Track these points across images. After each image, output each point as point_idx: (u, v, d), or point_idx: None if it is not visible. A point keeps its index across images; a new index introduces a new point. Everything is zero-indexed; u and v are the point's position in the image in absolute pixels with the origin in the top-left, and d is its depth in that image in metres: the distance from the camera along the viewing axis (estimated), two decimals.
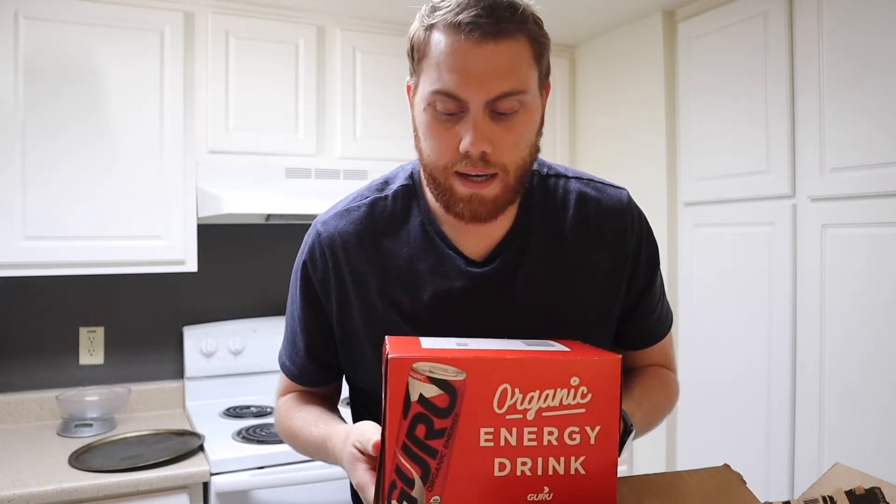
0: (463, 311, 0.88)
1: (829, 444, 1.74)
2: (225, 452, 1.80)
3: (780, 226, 1.87)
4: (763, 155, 1.92)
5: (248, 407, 2.24)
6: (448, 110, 0.79)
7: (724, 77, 2.05)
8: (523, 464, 0.69)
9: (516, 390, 0.68)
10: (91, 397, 2.12)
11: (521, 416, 0.68)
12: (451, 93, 0.78)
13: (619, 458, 0.73)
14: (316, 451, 0.94)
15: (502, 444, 0.68)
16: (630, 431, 0.83)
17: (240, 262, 2.43)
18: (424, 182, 0.91)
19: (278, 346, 1.08)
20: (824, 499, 0.74)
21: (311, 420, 0.96)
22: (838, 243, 1.72)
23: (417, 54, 0.83)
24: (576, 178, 0.96)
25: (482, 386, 0.67)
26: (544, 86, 0.86)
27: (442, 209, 0.87)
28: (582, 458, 0.70)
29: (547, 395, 0.69)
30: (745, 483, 0.81)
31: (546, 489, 0.69)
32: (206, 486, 1.76)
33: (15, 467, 1.70)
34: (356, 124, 2.27)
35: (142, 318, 2.30)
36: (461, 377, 0.67)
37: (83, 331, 2.23)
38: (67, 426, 2.01)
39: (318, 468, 1.81)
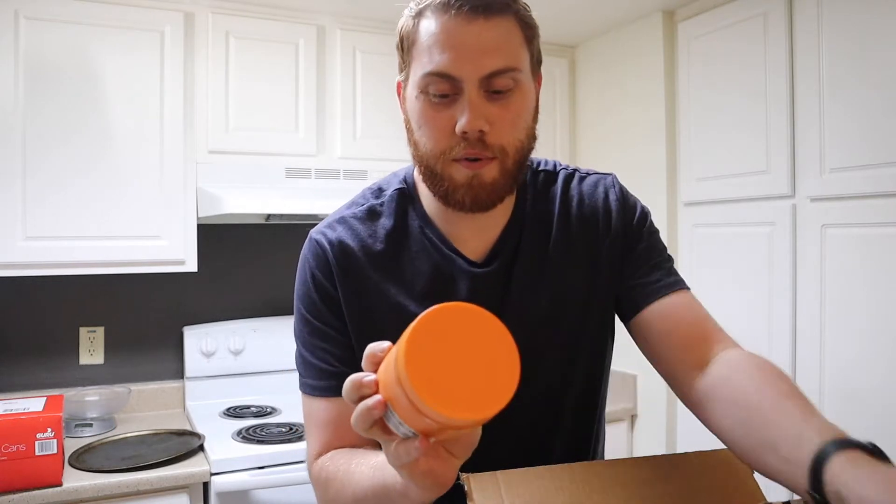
0: None
1: None
2: (225, 452, 1.80)
3: (780, 226, 1.87)
4: (763, 155, 1.92)
5: (248, 407, 2.24)
6: (441, 92, 0.77)
7: (724, 77, 2.05)
8: None
9: None
10: (91, 397, 2.11)
11: None
12: (444, 72, 0.76)
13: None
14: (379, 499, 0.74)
15: None
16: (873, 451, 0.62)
17: (240, 262, 2.43)
18: (419, 183, 0.90)
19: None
20: None
21: (365, 464, 0.77)
22: (838, 243, 1.72)
23: (407, 43, 0.81)
24: (563, 170, 0.97)
25: None
26: (537, 75, 0.85)
27: (439, 205, 0.86)
28: None
29: None
30: (752, 472, 0.81)
31: None
32: (206, 486, 1.76)
33: None
34: (356, 124, 2.27)
35: (142, 318, 2.30)
36: None
37: (83, 331, 2.23)
38: (67, 426, 2.01)
39: None
